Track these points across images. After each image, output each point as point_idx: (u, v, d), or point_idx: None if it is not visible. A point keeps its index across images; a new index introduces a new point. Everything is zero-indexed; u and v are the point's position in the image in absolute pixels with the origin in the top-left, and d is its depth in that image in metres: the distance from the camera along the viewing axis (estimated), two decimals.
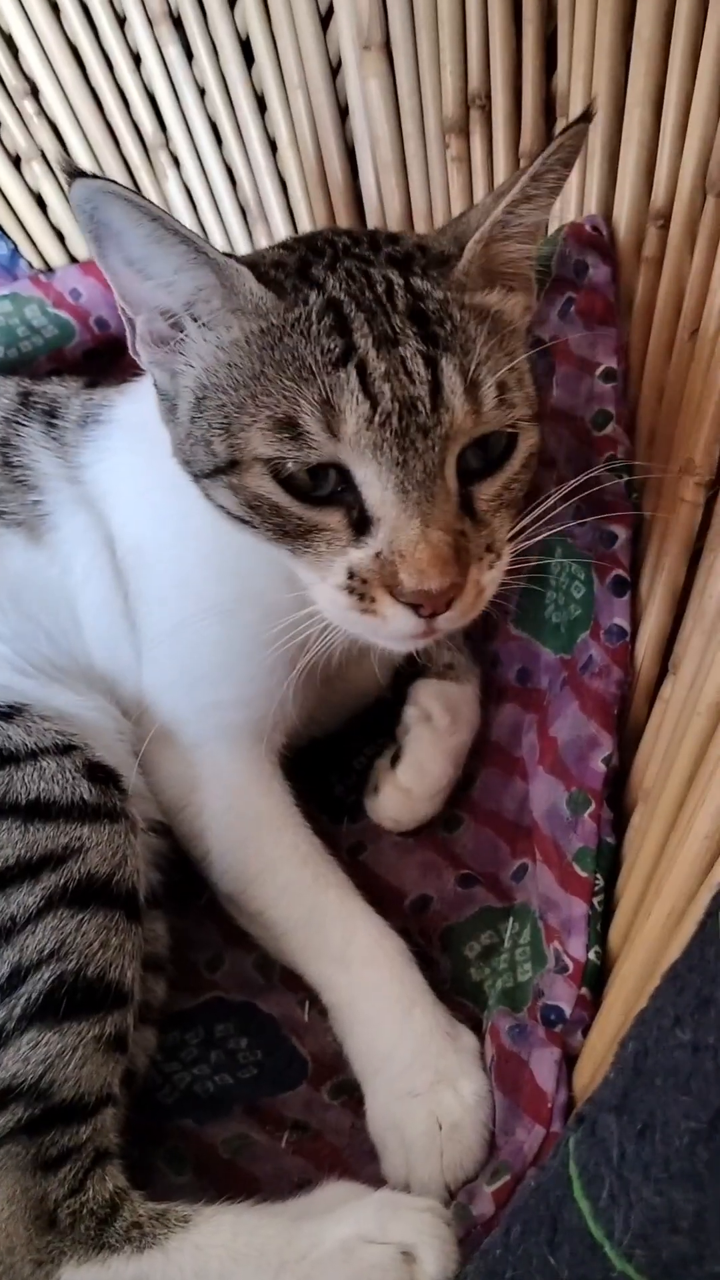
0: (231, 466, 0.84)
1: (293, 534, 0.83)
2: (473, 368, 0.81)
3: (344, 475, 0.81)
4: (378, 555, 0.80)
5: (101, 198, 0.78)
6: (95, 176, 0.79)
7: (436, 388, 0.79)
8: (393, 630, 0.82)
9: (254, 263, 0.87)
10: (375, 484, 0.80)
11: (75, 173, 0.78)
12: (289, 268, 0.87)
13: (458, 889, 1.03)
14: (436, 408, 0.79)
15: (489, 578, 0.84)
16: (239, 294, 0.83)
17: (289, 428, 0.80)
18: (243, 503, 0.85)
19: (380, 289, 0.83)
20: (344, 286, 0.83)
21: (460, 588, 0.81)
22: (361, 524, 0.81)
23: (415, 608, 0.80)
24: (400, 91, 1.29)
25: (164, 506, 1.00)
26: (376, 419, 0.78)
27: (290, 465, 0.81)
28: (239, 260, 0.84)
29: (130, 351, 0.90)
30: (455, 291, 0.85)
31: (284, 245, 0.94)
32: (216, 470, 0.85)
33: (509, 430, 0.85)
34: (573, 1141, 0.60)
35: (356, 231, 0.92)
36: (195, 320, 0.85)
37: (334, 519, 0.82)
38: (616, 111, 1.09)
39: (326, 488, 0.82)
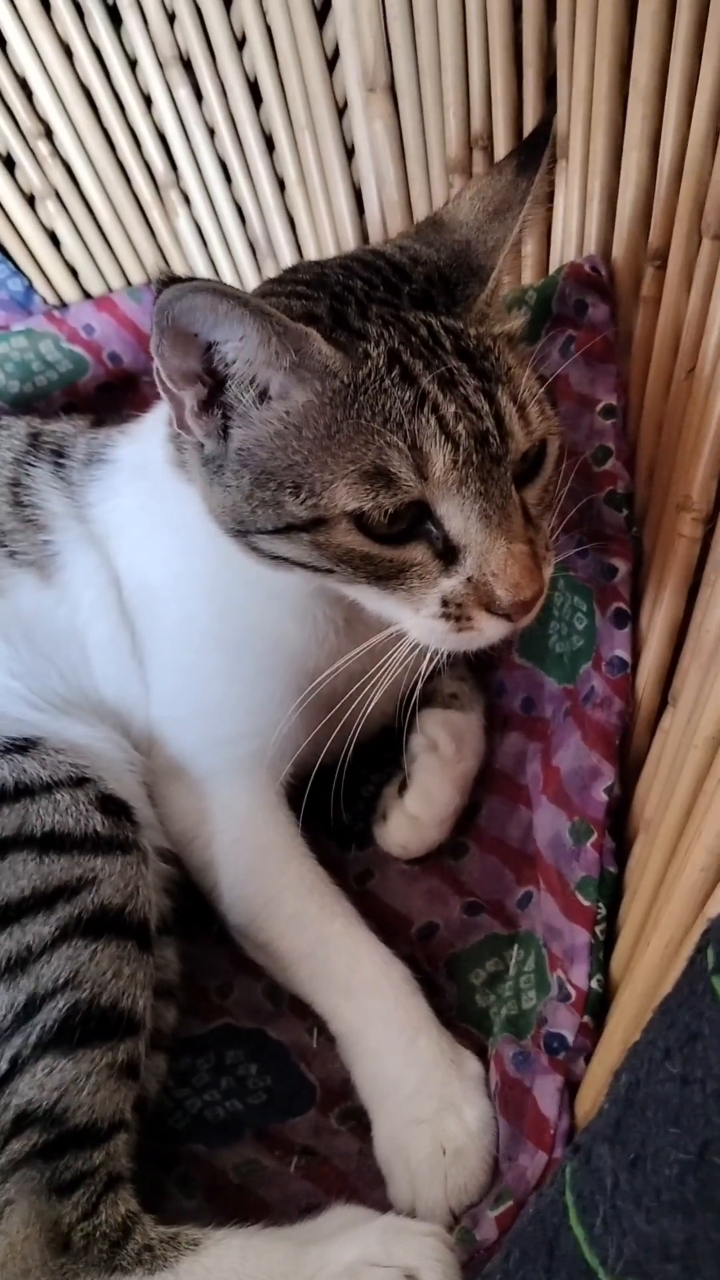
0: (315, 524, 0.85)
1: (385, 576, 0.86)
2: (519, 392, 0.85)
3: (419, 511, 0.84)
4: (469, 580, 0.84)
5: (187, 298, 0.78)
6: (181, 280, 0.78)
7: (499, 419, 0.83)
8: (487, 640, 0.87)
9: (309, 316, 0.86)
10: (458, 515, 0.83)
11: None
12: (324, 322, 0.86)
13: (464, 916, 1.05)
14: (504, 437, 0.83)
15: (548, 575, 0.88)
16: (307, 356, 0.83)
17: (379, 477, 0.82)
18: (327, 556, 0.86)
19: (424, 333, 0.85)
20: (392, 336, 0.84)
21: (543, 589, 0.85)
22: (447, 554, 0.84)
23: (507, 616, 0.85)
24: (405, 132, 1.32)
25: (166, 545, 1.02)
26: (460, 458, 0.82)
27: (377, 514, 0.83)
28: (293, 318, 0.82)
29: (177, 426, 0.89)
30: (478, 325, 0.88)
31: (293, 291, 0.91)
32: (290, 528, 0.86)
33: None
34: (569, 1170, 0.62)
35: (356, 269, 0.92)
36: (254, 386, 0.85)
37: (420, 553, 0.85)
38: (615, 154, 1.10)
39: (401, 525, 0.84)
